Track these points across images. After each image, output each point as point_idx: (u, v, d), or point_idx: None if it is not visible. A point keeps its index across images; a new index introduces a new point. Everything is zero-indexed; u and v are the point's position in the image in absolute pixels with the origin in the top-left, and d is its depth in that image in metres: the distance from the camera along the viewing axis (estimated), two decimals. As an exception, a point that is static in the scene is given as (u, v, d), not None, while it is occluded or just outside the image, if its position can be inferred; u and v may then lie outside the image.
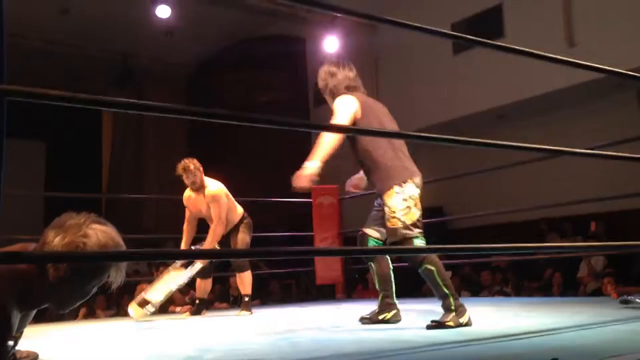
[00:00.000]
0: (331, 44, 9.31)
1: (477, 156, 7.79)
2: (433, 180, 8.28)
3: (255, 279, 8.57)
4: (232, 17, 9.97)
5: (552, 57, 2.26)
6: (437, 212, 9.78)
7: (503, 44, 2.23)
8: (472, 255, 6.37)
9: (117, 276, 1.79)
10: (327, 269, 6.58)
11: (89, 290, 1.78)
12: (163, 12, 8.50)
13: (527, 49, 2.22)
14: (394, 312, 3.39)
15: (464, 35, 2.26)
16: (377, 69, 10.41)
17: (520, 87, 8.06)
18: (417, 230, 3.19)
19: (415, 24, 1.92)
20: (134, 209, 12.23)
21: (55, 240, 1.68)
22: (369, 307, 3.66)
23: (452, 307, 2.98)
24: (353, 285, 7.96)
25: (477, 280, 7.96)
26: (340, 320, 3.92)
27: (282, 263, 8.25)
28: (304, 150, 12.69)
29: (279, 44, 11.35)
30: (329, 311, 5.02)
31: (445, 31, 2.09)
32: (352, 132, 3.27)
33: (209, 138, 11.36)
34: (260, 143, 10.31)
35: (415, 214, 3.23)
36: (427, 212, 10.97)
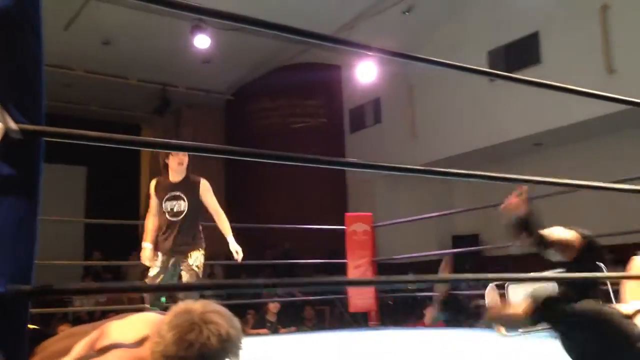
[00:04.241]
0: (366, 71, 9.38)
1: (514, 184, 7.69)
2: (468, 209, 8.24)
3: (290, 305, 8.62)
4: (268, 45, 10.14)
5: (583, 90, 2.21)
6: (473, 240, 9.67)
7: (531, 79, 2.19)
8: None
9: None
10: (361, 297, 6.52)
11: None
12: (202, 42, 8.69)
13: (556, 84, 2.17)
14: None
15: (492, 71, 2.25)
16: (412, 95, 10.42)
17: (557, 114, 7.96)
18: None
19: (446, 62, 1.91)
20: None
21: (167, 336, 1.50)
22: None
23: None
24: (387, 313, 7.87)
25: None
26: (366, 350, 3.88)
27: (316, 289, 8.22)
28: (339, 175, 12.66)
29: (315, 71, 11.49)
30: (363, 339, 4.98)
31: (476, 67, 2.08)
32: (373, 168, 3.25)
33: (246, 165, 11.49)
34: (296, 171, 10.36)
35: None
36: (463, 239, 10.88)
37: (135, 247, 11.54)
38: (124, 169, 12.59)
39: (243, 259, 4.05)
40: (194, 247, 3.99)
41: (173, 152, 3.93)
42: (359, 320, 7.87)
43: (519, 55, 8.75)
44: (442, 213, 7.34)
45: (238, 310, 8.45)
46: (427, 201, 9.90)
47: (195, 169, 4.14)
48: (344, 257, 6.54)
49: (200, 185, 4.07)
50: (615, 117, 7.42)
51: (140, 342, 1.66)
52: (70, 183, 11.86)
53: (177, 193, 4.02)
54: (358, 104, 11.74)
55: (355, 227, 6.45)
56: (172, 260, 3.96)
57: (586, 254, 2.39)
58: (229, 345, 1.52)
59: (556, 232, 2.48)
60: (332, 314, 9.17)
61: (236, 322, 1.58)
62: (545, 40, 8.46)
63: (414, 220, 7.06)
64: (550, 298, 2.30)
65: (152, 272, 3.98)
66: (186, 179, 4.06)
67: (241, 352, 1.55)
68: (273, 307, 7.60)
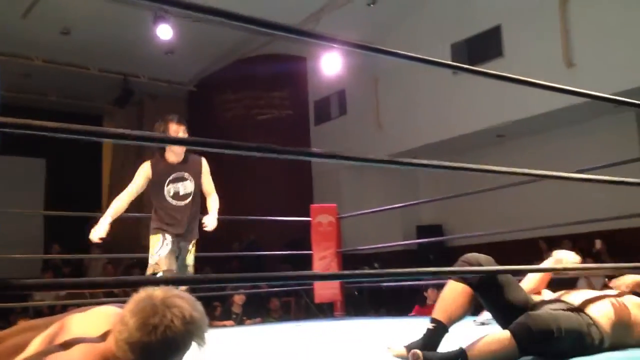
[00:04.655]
0: (331, 62, 9.38)
1: (477, 175, 7.80)
2: (433, 199, 8.35)
3: (256, 297, 8.61)
4: (233, 36, 10.05)
5: (543, 84, 2.26)
6: (437, 230, 9.79)
7: (496, 73, 2.23)
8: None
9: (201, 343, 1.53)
10: (326, 287, 6.55)
11: None
12: (164, 32, 8.56)
13: (519, 77, 2.22)
14: None
15: (459, 65, 2.28)
16: (377, 87, 10.47)
17: (519, 107, 8.10)
18: None
19: (410, 54, 1.93)
20: (134, 228, 12.22)
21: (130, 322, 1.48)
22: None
23: None
24: (352, 303, 7.92)
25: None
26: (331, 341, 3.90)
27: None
28: (304, 166, 12.64)
29: (279, 62, 11.43)
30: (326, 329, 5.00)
31: (442, 61, 2.10)
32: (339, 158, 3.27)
33: (210, 157, 11.38)
34: (260, 161, 10.34)
35: None
36: (426, 230, 10.98)
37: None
38: (85, 161, 12.34)
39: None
40: (196, 235, 3.79)
41: (174, 131, 3.66)
42: (324, 311, 7.91)
43: (481, 48, 8.87)
44: (406, 204, 7.41)
45: (203, 302, 8.37)
46: (392, 192, 9.98)
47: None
48: (309, 248, 6.56)
49: (203, 165, 3.85)
50: (575, 109, 7.59)
51: (103, 337, 1.64)
52: (30, 175, 11.59)
53: (182, 174, 3.73)
54: (323, 95, 11.74)
55: (321, 218, 6.46)
56: (178, 241, 3.67)
57: (484, 295, 2.33)
58: (193, 327, 1.50)
59: (450, 311, 2.34)
60: (298, 305, 9.19)
61: (199, 305, 1.56)
62: (507, 33, 8.58)
63: (379, 211, 7.11)
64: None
65: (164, 251, 3.59)
66: (186, 159, 3.79)
67: (207, 335, 1.52)
68: (238, 298, 7.58)
